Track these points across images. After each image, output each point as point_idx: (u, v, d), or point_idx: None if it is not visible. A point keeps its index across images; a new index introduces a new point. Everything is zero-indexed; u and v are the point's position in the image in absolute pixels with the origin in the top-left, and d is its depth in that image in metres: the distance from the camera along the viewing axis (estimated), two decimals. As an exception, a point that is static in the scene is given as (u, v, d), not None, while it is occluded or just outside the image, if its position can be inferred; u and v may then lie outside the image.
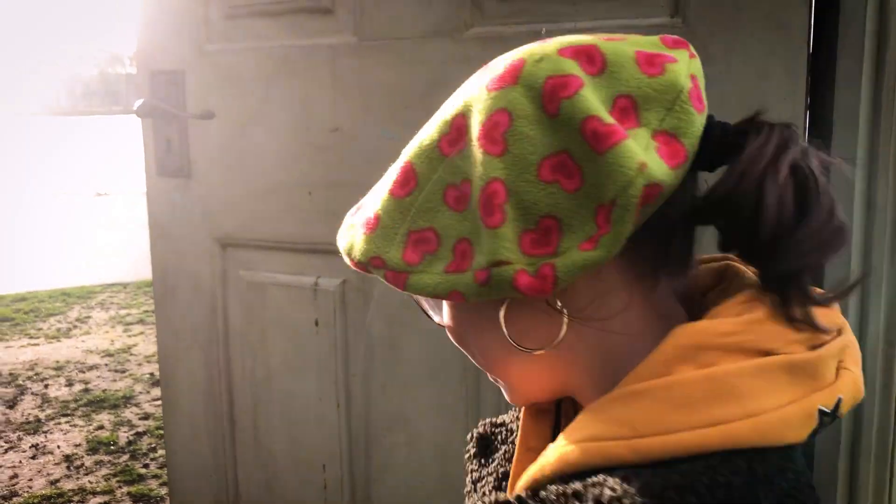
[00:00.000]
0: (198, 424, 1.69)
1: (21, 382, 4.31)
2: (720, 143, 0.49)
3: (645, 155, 0.45)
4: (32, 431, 3.63)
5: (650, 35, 0.54)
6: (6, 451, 3.44)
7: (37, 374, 4.45)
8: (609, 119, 0.46)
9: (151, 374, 4.41)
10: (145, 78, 1.62)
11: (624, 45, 0.50)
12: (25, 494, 3.06)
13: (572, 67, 0.49)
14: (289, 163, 1.50)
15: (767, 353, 0.47)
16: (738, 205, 0.46)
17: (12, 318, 5.65)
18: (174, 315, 1.68)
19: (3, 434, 3.62)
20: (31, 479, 3.19)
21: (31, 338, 5.18)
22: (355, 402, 1.52)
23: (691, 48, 0.52)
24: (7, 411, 3.91)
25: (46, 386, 4.25)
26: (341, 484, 1.53)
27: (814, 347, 0.48)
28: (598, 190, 0.46)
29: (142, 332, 5.26)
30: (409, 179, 0.56)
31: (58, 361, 4.65)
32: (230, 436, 1.67)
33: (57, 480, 3.18)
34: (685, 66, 0.49)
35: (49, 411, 3.87)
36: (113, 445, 3.46)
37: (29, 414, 3.84)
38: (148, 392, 4.12)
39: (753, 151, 0.46)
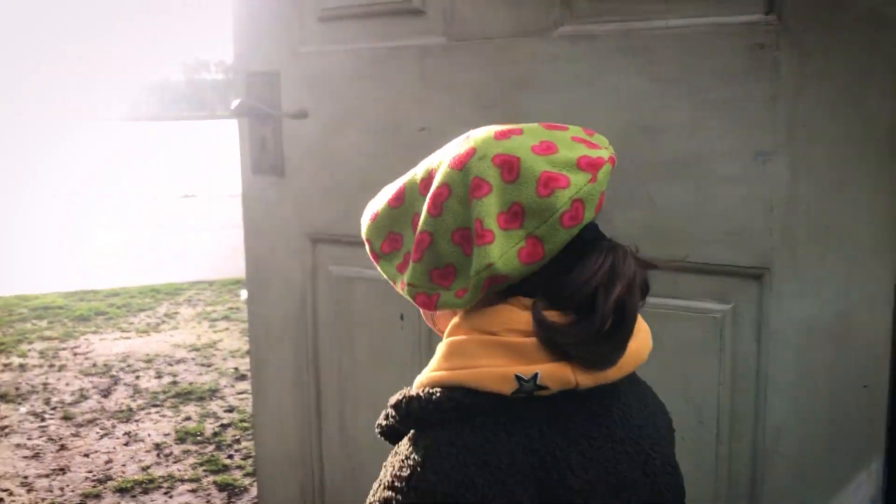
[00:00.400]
0: (286, 414, 1.75)
1: (114, 373, 4.52)
2: (577, 249, 0.72)
3: (501, 254, 0.69)
4: (125, 420, 3.80)
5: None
6: (101, 437, 3.62)
7: (129, 365, 4.65)
8: (490, 224, 0.70)
9: (236, 368, 4.56)
10: (242, 79, 1.68)
11: (539, 162, 0.72)
12: (119, 479, 3.21)
13: (493, 176, 0.72)
14: (378, 161, 1.54)
15: (492, 335, 0.73)
16: (575, 301, 0.71)
17: (106, 312, 5.92)
18: (266, 308, 1.75)
19: (99, 421, 3.80)
20: (124, 465, 3.34)
21: (123, 331, 5.42)
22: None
23: (602, 171, 0.73)
24: (102, 400, 4.10)
25: (138, 377, 4.44)
26: (424, 476, 1.56)
27: (527, 336, 0.71)
28: (472, 264, 0.71)
29: (226, 329, 5.43)
30: (400, 198, 0.81)
31: (148, 354, 4.86)
32: (317, 426, 1.72)
33: (148, 467, 3.32)
34: (573, 191, 0.70)
35: (140, 401, 4.05)
36: (199, 436, 3.60)
37: (122, 403, 4.02)
38: (233, 386, 4.26)
39: (592, 267, 0.71)
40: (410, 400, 0.75)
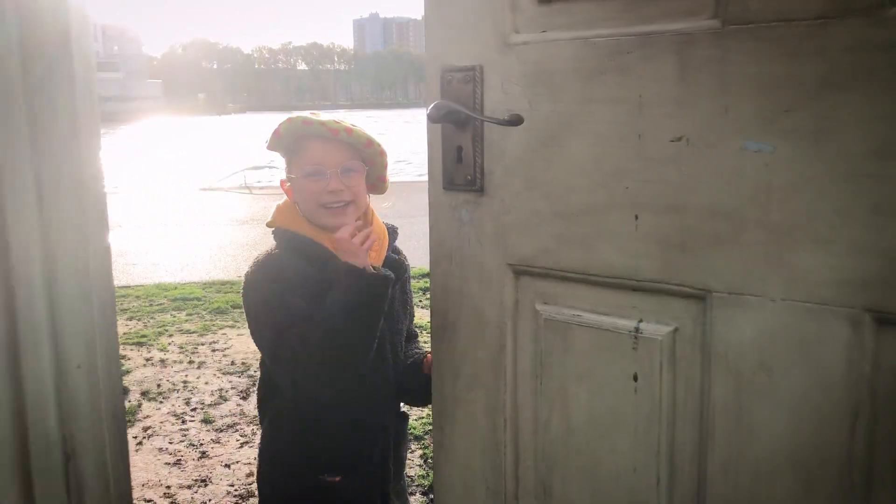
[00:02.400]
0: (474, 477, 1.46)
1: (253, 373, 4.41)
2: None
3: None
4: (264, 426, 3.66)
5: None
6: (242, 445, 3.48)
7: (266, 365, 4.54)
8: None
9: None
10: (435, 75, 1.40)
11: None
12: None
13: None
14: (611, 178, 1.22)
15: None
16: None
17: (242, 306, 5.88)
18: (454, 349, 1.46)
19: (239, 427, 3.68)
20: (265, 479, 3.18)
21: (259, 326, 5.34)
22: (681, 480, 1.22)
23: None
24: (241, 402, 3.99)
25: (275, 378, 4.31)
26: (656, 578, 1.24)
27: None
28: None
29: (361, 328, 5.27)
30: None
31: (284, 353, 4.74)
32: (513, 496, 1.42)
33: (289, 483, 3.15)
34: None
35: (279, 406, 3.91)
36: (341, 450, 3.40)
37: (260, 407, 3.90)
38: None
39: None
40: None
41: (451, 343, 1.47)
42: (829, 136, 1.02)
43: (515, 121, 1.27)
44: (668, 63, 1.14)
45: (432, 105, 1.32)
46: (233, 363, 4.55)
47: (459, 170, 1.39)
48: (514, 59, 1.31)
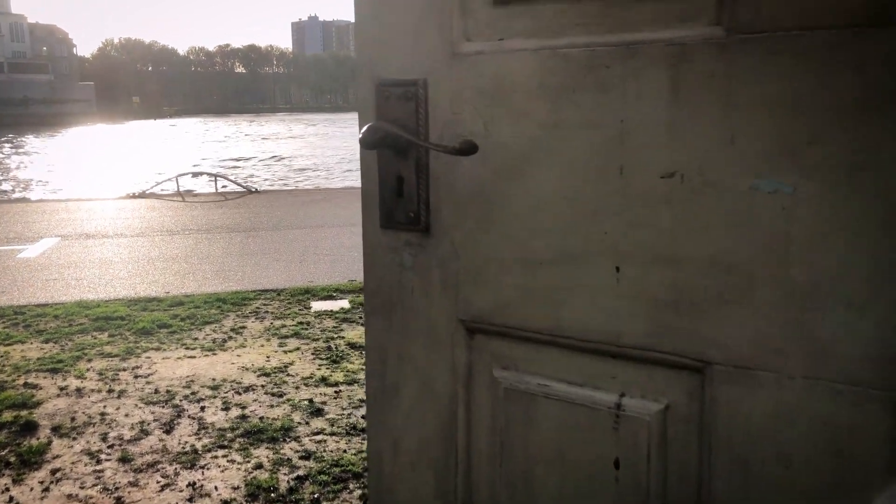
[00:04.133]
0: (420, 574, 1.21)
1: (178, 402, 4.08)
2: None
3: None
4: (189, 465, 3.34)
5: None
6: (162, 488, 3.16)
7: (193, 393, 4.21)
8: None
9: (310, 401, 4.07)
10: (369, 89, 1.15)
11: None
12: (182, 550, 2.74)
13: None
14: (586, 220, 0.99)
15: None
16: None
17: (170, 325, 5.52)
18: (394, 418, 1.21)
19: (160, 466, 3.35)
20: (188, 531, 2.88)
21: (188, 348, 5.00)
22: (675, 589, 0.99)
23: None
24: (164, 437, 3.66)
25: (203, 408, 3.98)
26: None
27: None
28: None
29: (297, 349, 4.96)
30: None
31: (214, 379, 4.41)
32: None
33: (215, 534, 2.85)
34: None
35: (206, 440, 3.59)
36: (273, 491, 3.10)
37: (186, 442, 3.57)
38: (307, 423, 3.76)
39: None
40: None
41: (392, 412, 1.22)
42: (865, 172, 0.81)
43: (467, 148, 1.03)
44: (657, 81, 0.92)
45: (366, 128, 1.08)
46: (156, 391, 4.21)
47: (400, 205, 1.14)
48: (466, 72, 1.07)
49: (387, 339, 1.21)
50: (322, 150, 31.48)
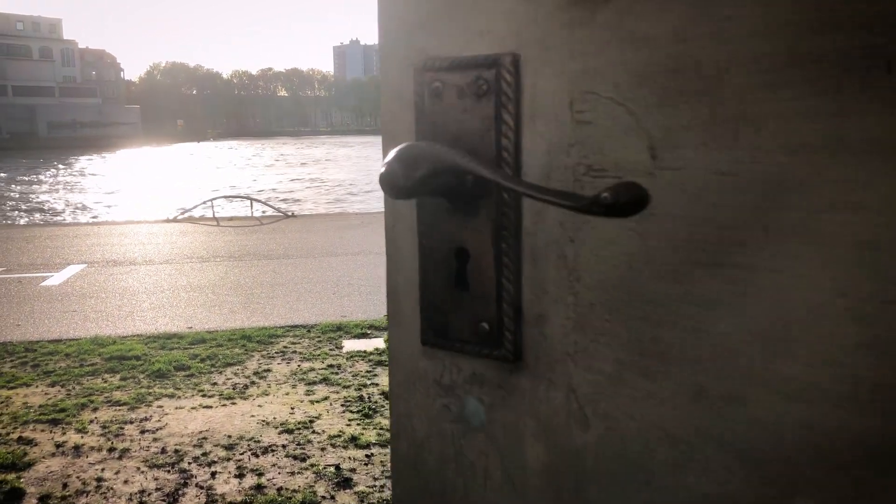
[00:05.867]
0: None
1: (186, 466, 3.54)
2: None
3: None
4: (190, 553, 2.80)
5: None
6: (154, 586, 2.60)
7: (204, 454, 3.67)
8: None
9: (337, 467, 3.50)
10: (400, 79, 0.59)
11: None
12: None
13: None
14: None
15: None
16: None
17: (188, 367, 5.02)
18: None
19: (155, 554, 2.81)
20: None
21: (205, 395, 4.49)
22: None
23: None
24: (164, 513, 3.12)
25: (214, 474, 3.44)
26: None
27: None
28: None
29: (326, 398, 4.41)
30: None
31: (229, 436, 3.87)
32: None
33: None
34: None
35: (213, 518, 3.05)
36: None
37: (189, 520, 3.03)
38: (332, 498, 3.20)
39: None
40: None
41: None
42: None
43: (623, 201, 0.45)
44: None
45: (394, 154, 0.51)
46: (163, 450, 3.69)
47: (463, 306, 0.58)
48: (606, 38, 0.50)
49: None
50: (362, 174, 31.19)
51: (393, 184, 0.49)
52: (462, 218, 0.57)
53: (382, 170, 0.51)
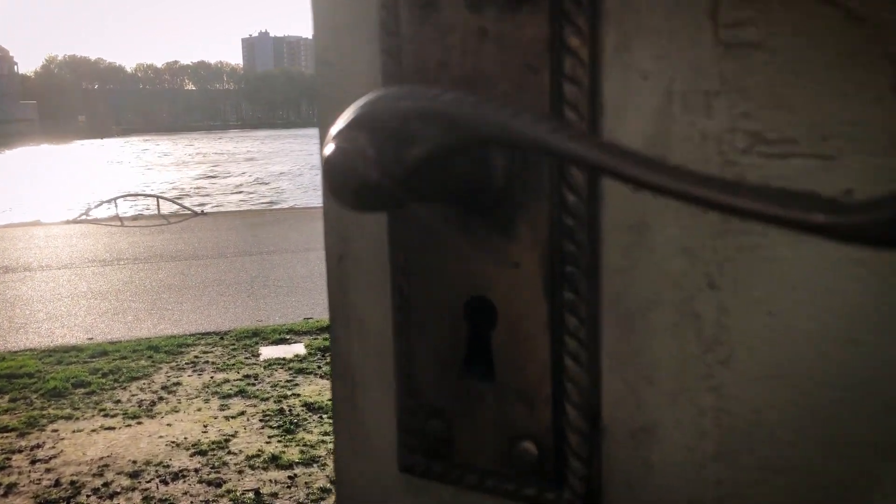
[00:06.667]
0: None
1: (83, 500, 3.14)
2: None
3: None
4: None
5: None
6: None
7: (105, 484, 3.27)
8: None
9: (256, 492, 3.17)
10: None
11: None
12: None
13: None
14: None
15: None
16: None
17: (88, 384, 4.55)
18: None
19: None
20: None
21: (107, 415, 4.06)
22: None
23: None
24: (57, 559, 2.73)
25: (115, 508, 3.06)
26: None
27: None
28: None
29: (242, 413, 4.05)
30: None
31: (135, 461, 3.47)
32: None
33: None
34: None
35: (115, 561, 2.68)
36: None
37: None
38: (252, 529, 2.88)
39: None
40: None
41: None
42: None
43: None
44: None
45: (354, 116, 0.23)
46: (57, 483, 3.27)
47: (479, 404, 0.30)
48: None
49: None
50: (274, 168, 30.34)
51: (361, 177, 0.21)
52: (481, 242, 0.29)
53: (329, 152, 0.23)
